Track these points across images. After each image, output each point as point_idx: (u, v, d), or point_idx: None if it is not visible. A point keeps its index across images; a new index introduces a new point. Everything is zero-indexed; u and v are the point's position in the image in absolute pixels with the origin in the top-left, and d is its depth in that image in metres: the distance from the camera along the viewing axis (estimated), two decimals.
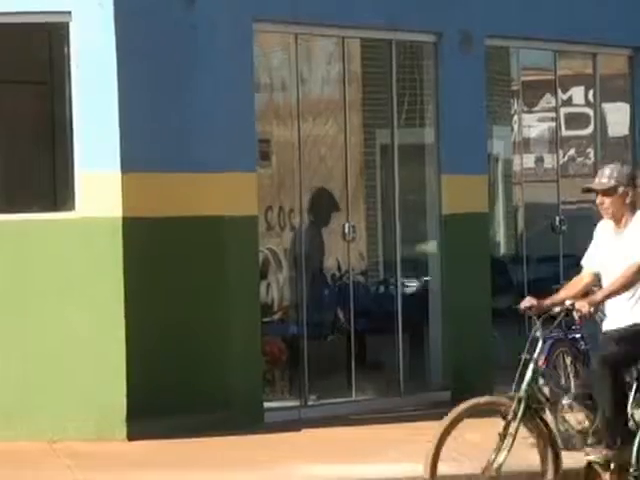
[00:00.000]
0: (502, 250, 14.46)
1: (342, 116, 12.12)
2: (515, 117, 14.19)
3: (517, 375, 7.48)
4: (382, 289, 13.06)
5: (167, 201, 10.62)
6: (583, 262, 7.18)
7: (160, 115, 10.66)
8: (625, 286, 6.78)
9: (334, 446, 10.27)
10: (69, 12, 10.35)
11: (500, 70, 13.93)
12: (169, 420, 10.25)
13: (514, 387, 7.71)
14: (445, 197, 12.61)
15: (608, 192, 6.85)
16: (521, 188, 13.97)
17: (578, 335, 10.13)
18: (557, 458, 7.37)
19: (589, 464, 7.00)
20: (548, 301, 7.12)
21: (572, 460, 7.66)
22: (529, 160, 14.06)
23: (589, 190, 7.42)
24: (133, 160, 10.48)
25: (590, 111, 14.61)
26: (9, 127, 11.08)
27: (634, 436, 6.93)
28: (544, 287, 10.62)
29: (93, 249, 10.40)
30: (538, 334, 7.65)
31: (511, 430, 7.07)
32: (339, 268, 12.46)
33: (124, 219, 10.37)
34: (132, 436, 10.20)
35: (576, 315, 7.26)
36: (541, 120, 14.26)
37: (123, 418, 10.30)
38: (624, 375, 7.10)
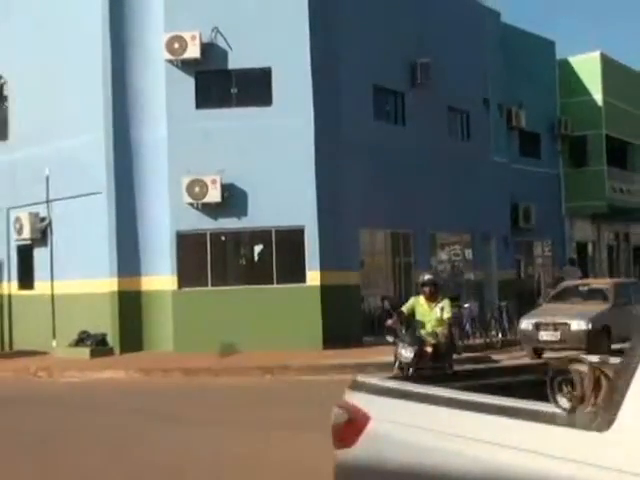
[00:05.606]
0: None
1: (385, 255, 24.70)
2: (436, 255, 26.67)
3: None
4: (397, 304, 18.29)
5: (336, 278, 21.39)
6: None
7: (331, 256, 21.33)
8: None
9: (379, 352, 18.32)
10: (304, 225, 21.18)
11: (433, 242, 26.46)
12: (338, 341, 20.35)
13: None
14: (415, 277, 21.65)
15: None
16: (445, 271, 26.89)
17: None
18: None
19: None
20: None
21: None
22: (443, 266, 27.21)
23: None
24: (324, 264, 21.28)
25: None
26: (281, 265, 22.21)
27: None
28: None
29: (312, 295, 20.93)
30: None
31: None
32: (385, 296, 23.14)
33: (322, 286, 21.15)
34: (324, 348, 20.33)
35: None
36: (446, 255, 27.51)
37: (320, 342, 20.69)
38: None
